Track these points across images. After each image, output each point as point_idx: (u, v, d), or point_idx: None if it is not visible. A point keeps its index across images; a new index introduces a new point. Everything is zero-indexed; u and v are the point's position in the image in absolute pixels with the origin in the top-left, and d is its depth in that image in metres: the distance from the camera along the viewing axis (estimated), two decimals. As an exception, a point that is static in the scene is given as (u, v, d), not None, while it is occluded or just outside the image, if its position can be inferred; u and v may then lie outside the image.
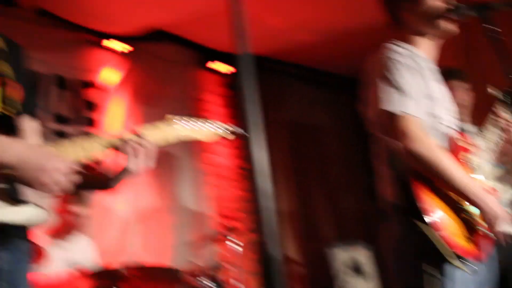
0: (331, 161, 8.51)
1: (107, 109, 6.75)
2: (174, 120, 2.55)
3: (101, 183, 2.52)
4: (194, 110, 7.45)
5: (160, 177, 6.90)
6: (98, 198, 6.47)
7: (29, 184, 2.00)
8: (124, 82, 6.85)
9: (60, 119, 6.40)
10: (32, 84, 2.53)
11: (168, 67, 7.23)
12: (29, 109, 2.46)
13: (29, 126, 2.45)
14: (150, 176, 6.83)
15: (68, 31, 6.41)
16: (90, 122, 6.62)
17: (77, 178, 2.09)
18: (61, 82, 6.42)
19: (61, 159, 2.03)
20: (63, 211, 5.20)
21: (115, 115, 6.79)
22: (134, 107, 6.91)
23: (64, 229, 5.23)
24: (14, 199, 2.12)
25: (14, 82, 2.35)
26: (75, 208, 5.19)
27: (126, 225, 6.60)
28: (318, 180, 8.25)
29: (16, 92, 2.34)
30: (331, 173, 8.43)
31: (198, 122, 2.58)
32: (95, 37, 6.61)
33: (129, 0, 5.64)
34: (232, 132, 2.61)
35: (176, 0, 5.58)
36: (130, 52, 6.77)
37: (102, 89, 6.73)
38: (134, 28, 6.41)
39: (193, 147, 7.29)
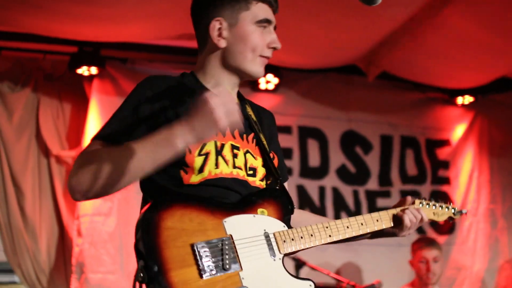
0: None
1: (460, 166, 6.72)
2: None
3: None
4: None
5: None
6: (455, 255, 6.46)
7: (206, 131, 2.04)
8: (468, 134, 6.74)
9: (415, 179, 6.54)
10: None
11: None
12: (287, 175, 2.66)
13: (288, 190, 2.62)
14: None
15: (413, 91, 6.54)
16: (446, 181, 6.65)
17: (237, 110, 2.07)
18: (414, 143, 6.59)
19: (220, 97, 2.04)
20: (417, 265, 5.30)
21: (463, 168, 6.71)
22: (480, 159, 6.74)
23: (419, 285, 5.33)
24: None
25: (269, 152, 2.48)
26: (433, 266, 5.24)
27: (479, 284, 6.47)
28: None
29: (258, 161, 2.45)
30: None
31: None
32: (445, 94, 6.64)
33: (479, 53, 5.59)
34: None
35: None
36: (471, 103, 6.67)
37: (455, 146, 6.71)
38: (481, 80, 6.31)
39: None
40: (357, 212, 6.08)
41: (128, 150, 2.09)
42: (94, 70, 5.32)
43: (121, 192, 5.51)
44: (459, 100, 6.62)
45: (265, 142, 2.47)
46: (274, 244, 2.25)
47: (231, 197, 2.28)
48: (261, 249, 2.22)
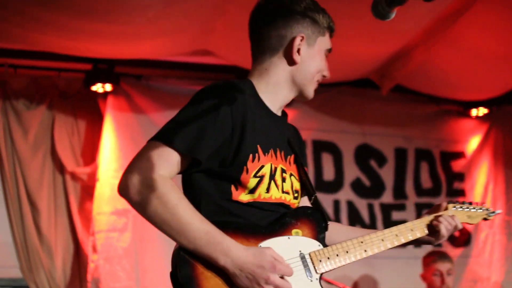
0: None
1: (475, 178, 6.69)
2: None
3: None
4: None
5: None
6: (472, 268, 6.42)
7: (246, 284, 2.09)
8: (483, 146, 6.71)
9: (430, 192, 6.51)
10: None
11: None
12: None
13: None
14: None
15: (427, 104, 6.53)
16: (461, 193, 6.60)
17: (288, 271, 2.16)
18: (429, 156, 6.56)
19: (271, 267, 2.09)
20: (430, 278, 5.28)
21: (478, 180, 6.67)
22: (495, 171, 6.71)
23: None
24: None
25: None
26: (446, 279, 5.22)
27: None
28: None
29: (300, 183, 2.50)
30: None
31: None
32: (459, 107, 6.64)
33: (492, 65, 5.58)
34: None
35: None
36: (486, 114, 6.65)
37: (470, 158, 6.69)
38: (495, 91, 6.29)
39: None
40: (372, 225, 6.08)
41: (188, 217, 2.09)
42: (108, 87, 5.35)
43: (136, 209, 5.49)
44: (474, 112, 6.61)
45: (301, 161, 2.51)
46: (310, 264, 2.27)
47: (269, 221, 2.29)
48: (298, 271, 2.23)
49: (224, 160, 2.21)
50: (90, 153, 5.51)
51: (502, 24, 4.90)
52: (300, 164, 2.48)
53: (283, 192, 2.35)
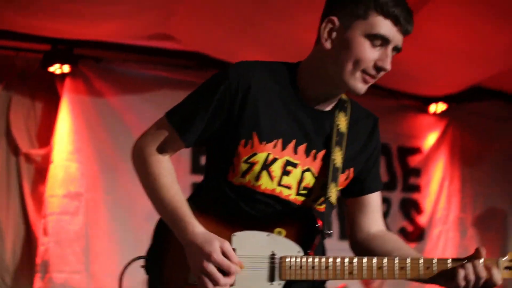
0: None
1: (431, 174, 6.74)
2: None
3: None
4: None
5: None
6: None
7: (192, 268, 2.11)
8: (440, 142, 6.77)
9: (385, 186, 6.53)
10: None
11: (489, 124, 6.89)
12: (374, 186, 2.46)
13: (373, 203, 2.48)
14: None
15: (386, 98, 6.51)
16: (416, 189, 6.68)
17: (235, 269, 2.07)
18: (386, 150, 6.54)
19: (214, 254, 2.04)
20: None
21: (434, 177, 6.73)
22: (451, 168, 6.78)
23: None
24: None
25: (337, 171, 2.26)
26: None
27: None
28: None
29: (319, 181, 2.26)
30: None
31: None
32: (418, 102, 6.66)
33: (453, 60, 5.59)
34: None
35: (499, 53, 5.40)
36: (444, 111, 6.67)
37: (427, 154, 6.74)
38: (455, 88, 6.32)
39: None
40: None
41: (162, 193, 2.20)
42: (66, 68, 5.27)
43: (89, 192, 5.49)
44: (432, 108, 6.65)
45: (337, 161, 2.26)
46: (277, 268, 2.12)
47: (260, 213, 2.21)
48: (260, 271, 2.13)
49: (224, 136, 2.22)
50: (46, 135, 5.44)
51: (464, 19, 4.90)
52: (331, 165, 2.24)
53: (279, 185, 2.21)
